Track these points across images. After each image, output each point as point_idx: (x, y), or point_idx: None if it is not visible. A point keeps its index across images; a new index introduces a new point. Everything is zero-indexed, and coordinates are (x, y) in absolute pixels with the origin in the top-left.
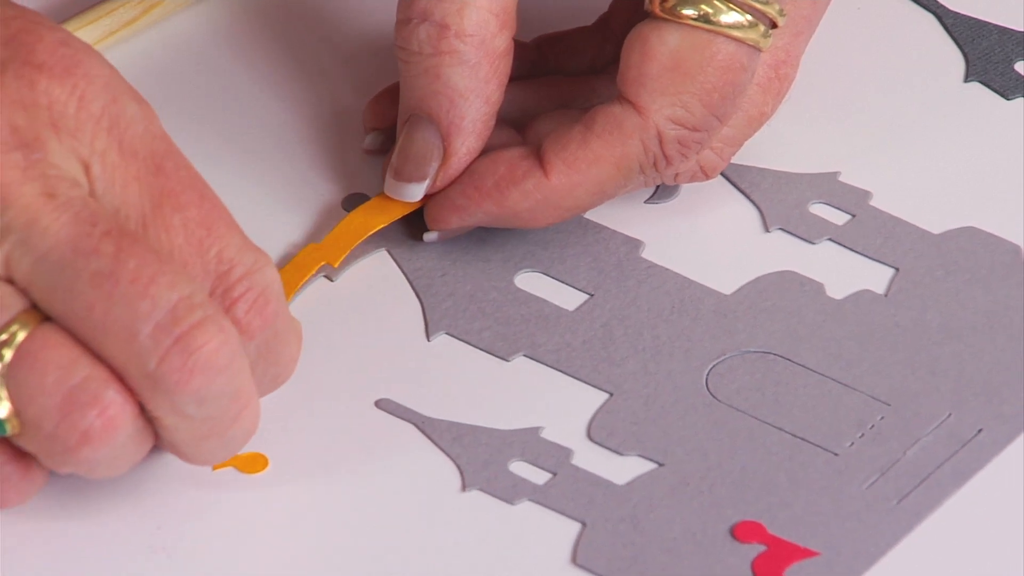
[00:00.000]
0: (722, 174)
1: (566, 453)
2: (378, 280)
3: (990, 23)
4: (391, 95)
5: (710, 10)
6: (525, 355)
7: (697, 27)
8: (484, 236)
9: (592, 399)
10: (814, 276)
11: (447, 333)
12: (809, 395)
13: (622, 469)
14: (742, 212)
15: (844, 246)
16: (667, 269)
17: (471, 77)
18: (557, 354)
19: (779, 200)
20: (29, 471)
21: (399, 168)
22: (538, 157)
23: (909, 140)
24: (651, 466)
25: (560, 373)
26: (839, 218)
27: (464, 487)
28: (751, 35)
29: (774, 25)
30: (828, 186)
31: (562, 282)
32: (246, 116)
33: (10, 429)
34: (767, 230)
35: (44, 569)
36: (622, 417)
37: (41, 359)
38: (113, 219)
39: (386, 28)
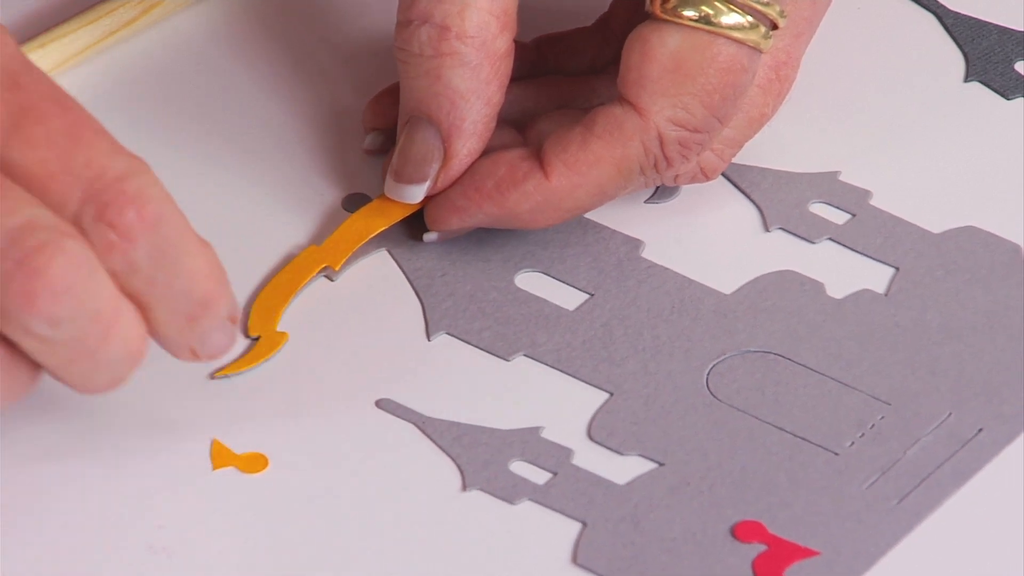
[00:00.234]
0: (722, 174)
1: (566, 453)
2: (378, 280)
3: (990, 23)
4: (391, 95)
5: (711, 11)
6: (525, 355)
7: (698, 28)
8: (484, 236)
9: (592, 399)
10: (814, 276)
11: (447, 333)
12: (809, 395)
13: (622, 469)
14: (742, 212)
15: (844, 246)
16: (667, 269)
17: (472, 79)
18: (557, 354)
19: (779, 200)
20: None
21: (399, 170)
22: (538, 158)
23: (909, 140)
24: (651, 466)
25: (560, 373)
26: (839, 218)
27: (464, 487)
28: (752, 36)
29: (775, 26)
30: (828, 186)
31: (562, 282)
32: (246, 116)
33: None
34: (767, 230)
35: (44, 569)
36: (622, 417)
37: None
38: None
39: (386, 28)
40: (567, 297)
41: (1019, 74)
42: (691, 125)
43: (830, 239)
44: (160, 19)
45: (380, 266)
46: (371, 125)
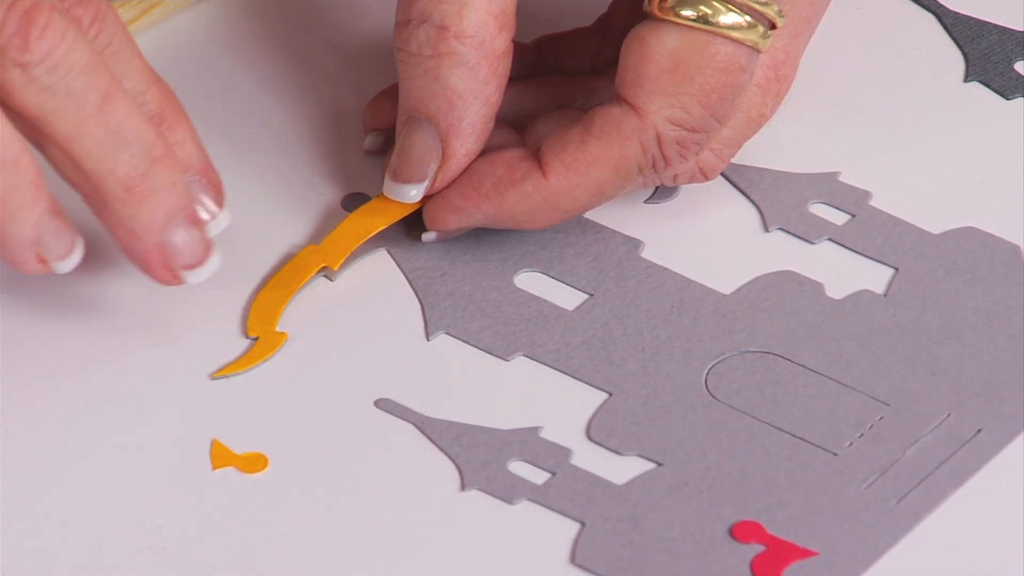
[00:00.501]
0: (722, 174)
1: (565, 453)
2: (378, 280)
3: (990, 23)
4: (391, 95)
5: (709, 11)
6: (524, 355)
7: (696, 28)
8: (483, 236)
9: (591, 399)
10: (814, 276)
11: (447, 333)
12: (808, 395)
13: (621, 469)
14: (742, 212)
15: (844, 246)
16: (667, 269)
17: (470, 79)
18: (557, 354)
19: (779, 200)
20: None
21: (398, 169)
22: (537, 158)
23: (909, 140)
24: (650, 466)
25: (560, 373)
26: (839, 218)
27: (463, 487)
28: (750, 36)
29: (773, 26)
30: (828, 186)
31: (562, 282)
32: (246, 116)
33: None
34: (767, 230)
35: (44, 568)
36: (621, 417)
37: None
38: None
39: (386, 29)
40: (567, 297)
41: (1019, 74)
42: (689, 125)
43: (830, 239)
44: (160, 19)
45: (379, 266)
46: (371, 125)
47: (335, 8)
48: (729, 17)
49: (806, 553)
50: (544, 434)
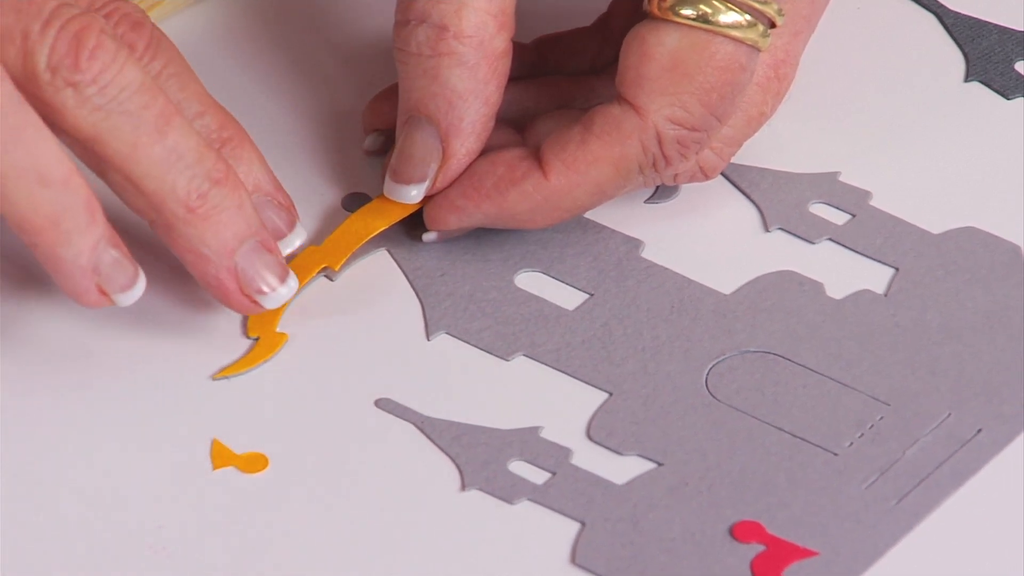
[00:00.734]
0: (722, 174)
1: (565, 453)
2: (378, 280)
3: (990, 23)
4: (391, 96)
5: (709, 10)
6: (525, 355)
7: (696, 27)
8: (483, 236)
9: (591, 399)
10: (814, 276)
11: (447, 333)
12: (809, 395)
13: (621, 469)
14: (742, 212)
15: (844, 246)
16: (667, 269)
17: (470, 78)
18: (557, 354)
19: (779, 200)
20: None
21: (398, 170)
22: (537, 158)
23: (909, 140)
24: (650, 466)
25: (560, 373)
26: (839, 218)
27: (464, 487)
28: (750, 35)
29: (773, 25)
30: (828, 186)
31: (562, 282)
32: (246, 117)
33: None
34: (767, 230)
35: (45, 569)
36: (621, 417)
37: None
38: None
39: (386, 29)
40: (567, 297)
41: (1019, 74)
42: (689, 124)
43: (830, 239)
44: (160, 19)
45: (380, 266)
46: (371, 126)
47: (335, 8)
48: (729, 16)
49: (806, 553)
50: (544, 434)
